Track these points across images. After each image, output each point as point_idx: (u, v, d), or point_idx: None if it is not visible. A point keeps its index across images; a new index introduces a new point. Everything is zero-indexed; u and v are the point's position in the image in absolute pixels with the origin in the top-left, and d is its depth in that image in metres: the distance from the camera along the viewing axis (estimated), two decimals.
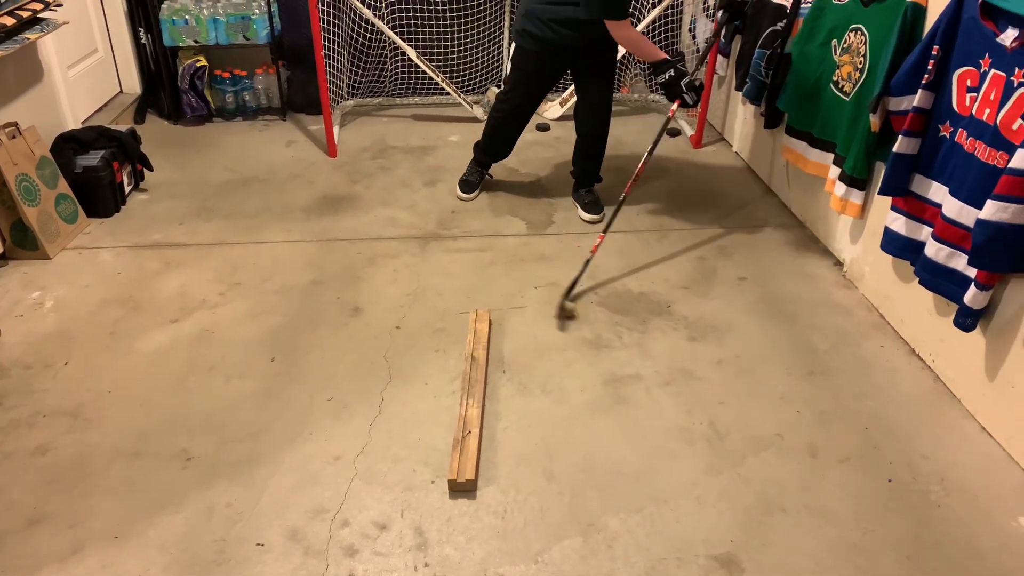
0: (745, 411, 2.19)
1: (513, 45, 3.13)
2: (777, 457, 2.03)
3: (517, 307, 2.62)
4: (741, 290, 2.75)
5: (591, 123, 3.13)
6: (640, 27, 4.03)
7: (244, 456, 2.01)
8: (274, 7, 4.07)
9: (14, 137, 2.82)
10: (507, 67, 4.26)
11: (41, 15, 2.96)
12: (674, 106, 2.80)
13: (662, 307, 2.65)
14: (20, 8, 2.82)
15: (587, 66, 2.99)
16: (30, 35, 2.85)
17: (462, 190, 3.33)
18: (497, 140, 3.28)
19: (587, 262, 2.71)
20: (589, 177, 3.26)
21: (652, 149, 2.80)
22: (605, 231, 2.79)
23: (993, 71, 1.96)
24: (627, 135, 4.06)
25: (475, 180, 3.34)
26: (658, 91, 2.64)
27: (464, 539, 1.79)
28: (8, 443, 2.04)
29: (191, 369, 2.32)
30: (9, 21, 2.73)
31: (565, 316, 2.56)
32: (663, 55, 2.76)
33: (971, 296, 2.03)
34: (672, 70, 2.73)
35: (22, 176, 2.79)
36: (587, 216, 3.19)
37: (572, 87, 4.16)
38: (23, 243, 2.83)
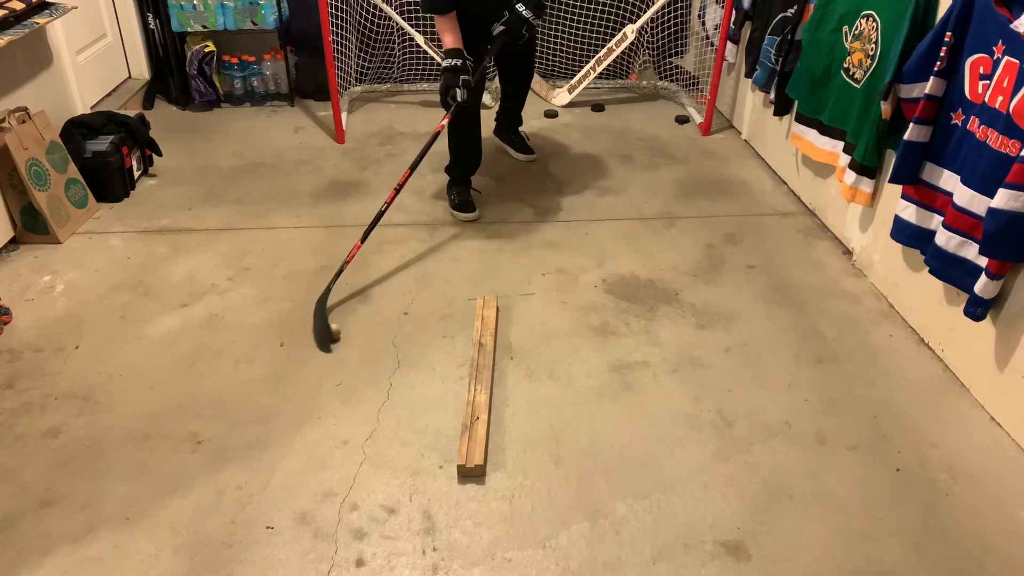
0: (752, 398, 2.19)
1: None
2: (784, 445, 2.04)
3: (524, 294, 2.62)
4: (749, 278, 2.75)
5: (520, 80, 3.43)
6: (650, 12, 4.01)
7: (253, 440, 2.02)
8: None
9: (24, 122, 2.83)
10: None
11: (50, 0, 2.97)
12: (443, 120, 2.85)
13: (670, 294, 2.65)
14: None
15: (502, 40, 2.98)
16: (39, 20, 2.85)
17: (465, 211, 3.10)
18: (469, 148, 3.16)
19: (340, 270, 2.59)
20: (519, 120, 3.61)
21: (418, 160, 2.80)
22: (362, 240, 2.65)
23: (1007, 58, 1.94)
24: (635, 122, 4.05)
25: (469, 198, 3.16)
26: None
27: (472, 524, 1.80)
28: (20, 425, 2.05)
29: (200, 353, 2.33)
30: (19, 6, 2.74)
31: (332, 340, 2.38)
32: (457, 47, 2.80)
33: (982, 285, 2.02)
34: (457, 60, 2.77)
35: (32, 161, 2.80)
36: (524, 157, 3.59)
37: (580, 73, 4.16)
38: (33, 227, 2.85)
